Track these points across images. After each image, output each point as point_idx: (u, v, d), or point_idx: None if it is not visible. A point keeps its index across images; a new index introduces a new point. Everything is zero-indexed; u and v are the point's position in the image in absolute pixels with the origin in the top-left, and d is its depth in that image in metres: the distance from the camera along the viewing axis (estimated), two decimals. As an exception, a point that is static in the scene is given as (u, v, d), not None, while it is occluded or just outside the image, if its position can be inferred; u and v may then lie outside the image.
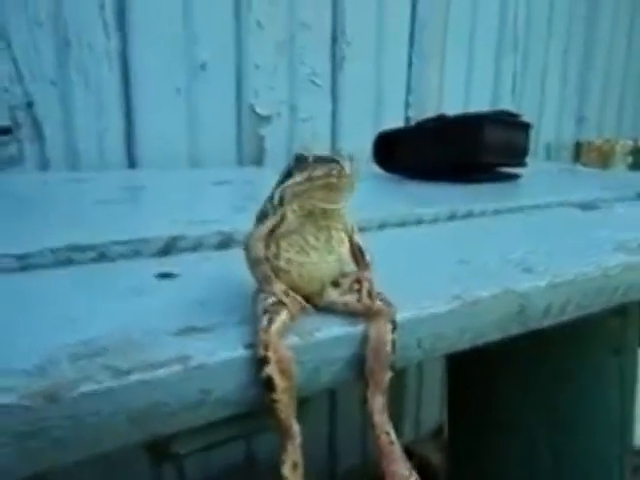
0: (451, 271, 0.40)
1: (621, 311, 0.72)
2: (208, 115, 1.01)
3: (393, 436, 0.31)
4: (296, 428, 0.28)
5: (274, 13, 1.05)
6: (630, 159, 1.65)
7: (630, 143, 1.74)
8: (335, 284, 0.31)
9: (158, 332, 0.27)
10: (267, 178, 0.95)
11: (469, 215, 0.57)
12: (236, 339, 0.27)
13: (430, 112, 1.27)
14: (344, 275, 0.31)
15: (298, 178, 0.28)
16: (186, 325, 0.28)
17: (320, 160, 0.27)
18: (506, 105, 1.43)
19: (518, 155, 0.82)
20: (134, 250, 0.39)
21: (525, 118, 0.83)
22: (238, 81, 1.04)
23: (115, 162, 0.96)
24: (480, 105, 1.35)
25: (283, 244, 0.29)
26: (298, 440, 0.28)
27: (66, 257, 0.37)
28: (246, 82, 1.05)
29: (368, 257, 0.32)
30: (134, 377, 0.24)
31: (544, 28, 1.51)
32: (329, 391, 1.25)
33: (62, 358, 0.24)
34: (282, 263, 0.29)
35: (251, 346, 0.27)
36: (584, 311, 0.43)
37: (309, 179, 0.27)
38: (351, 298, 0.31)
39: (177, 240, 0.40)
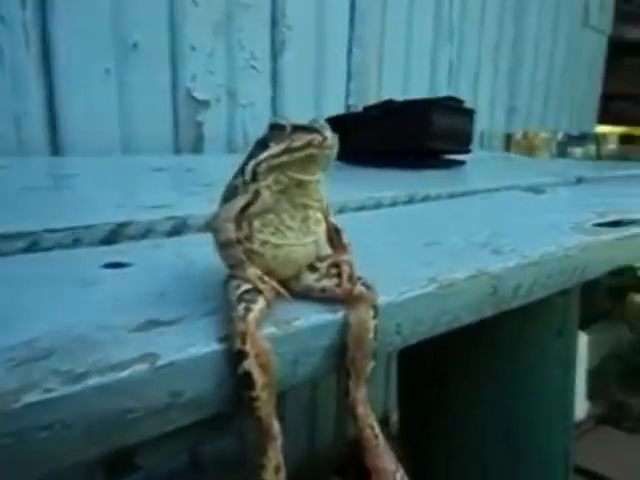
0: (421, 254, 0.39)
1: (563, 293, 0.74)
2: (141, 99, 0.95)
3: (377, 429, 0.28)
4: (277, 427, 0.25)
5: (211, -8, 1.00)
6: (554, 149, 1.73)
7: (558, 135, 1.83)
8: (311, 268, 0.28)
9: (114, 328, 0.23)
10: (210, 165, 0.90)
11: (426, 199, 0.56)
12: (207, 332, 0.24)
13: (370, 100, 1.27)
14: (320, 259, 0.29)
15: (275, 149, 0.24)
16: (146, 319, 0.24)
17: (299, 129, 0.24)
18: (441, 90, 1.45)
19: (463, 141, 0.83)
20: (74, 238, 0.34)
21: (468, 103, 0.84)
22: (173, 63, 0.98)
23: (36, 148, 0.87)
24: (418, 93, 1.36)
25: (256, 224, 0.26)
26: (279, 441, 0.25)
27: (-8, 247, 0.32)
28: (182, 65, 0.99)
29: (345, 239, 0.29)
30: (91, 382, 0.20)
31: (477, 21, 1.54)
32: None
33: (4, 363, 0.20)
34: (256, 245, 0.26)
35: (226, 339, 0.24)
36: (548, 291, 0.43)
37: (288, 150, 0.24)
38: (329, 283, 0.28)
39: (124, 227, 0.36)
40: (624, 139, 2.49)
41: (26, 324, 0.23)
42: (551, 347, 0.74)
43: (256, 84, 1.09)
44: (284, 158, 0.24)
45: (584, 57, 2.00)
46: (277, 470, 0.25)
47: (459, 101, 0.82)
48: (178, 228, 0.38)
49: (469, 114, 0.83)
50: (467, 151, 0.84)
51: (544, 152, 1.84)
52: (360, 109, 0.85)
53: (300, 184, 0.25)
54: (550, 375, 0.75)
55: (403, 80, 1.36)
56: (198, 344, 0.23)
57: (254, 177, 0.25)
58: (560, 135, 1.92)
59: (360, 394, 0.28)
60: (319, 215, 0.28)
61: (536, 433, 0.77)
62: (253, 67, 1.08)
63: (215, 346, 0.23)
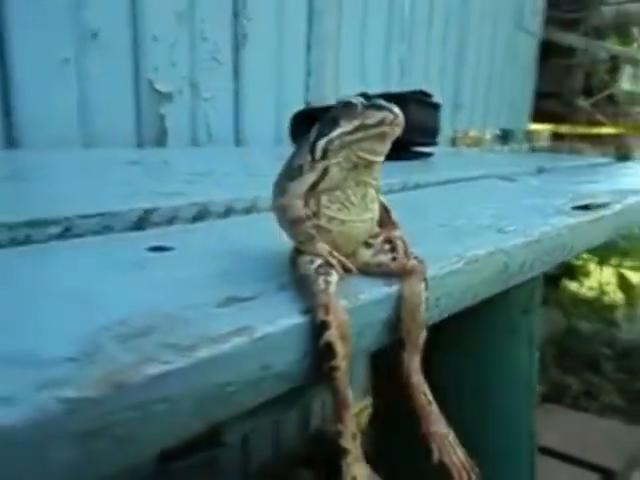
0: (439, 235, 0.41)
1: (528, 275, 0.79)
2: (102, 90, 0.91)
3: (430, 396, 0.30)
4: (351, 397, 0.26)
5: (171, -20, 0.98)
6: (498, 144, 1.83)
7: (495, 132, 1.93)
8: (366, 244, 0.29)
9: (198, 306, 0.23)
10: (183, 158, 0.88)
11: (417, 186, 0.58)
12: (288, 306, 0.25)
13: (328, 95, 1.29)
14: (373, 235, 0.30)
15: (348, 127, 0.25)
16: (226, 296, 0.25)
17: (371, 107, 0.25)
18: (395, 87, 1.49)
19: (432, 134, 0.86)
20: (105, 225, 0.33)
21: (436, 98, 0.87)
22: (135, 54, 0.95)
23: (-13, 141, 0.82)
24: (373, 89, 1.40)
25: (324, 201, 0.27)
26: (352, 409, 0.26)
27: (24, 235, 0.30)
28: (144, 55, 0.96)
29: (394, 216, 0.30)
30: (201, 354, 0.20)
31: (426, 21, 1.60)
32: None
33: (105, 341, 0.20)
34: (323, 222, 0.27)
35: (308, 311, 0.24)
36: (544, 267, 0.46)
37: (362, 127, 0.25)
38: (384, 258, 0.29)
39: (150, 213, 0.35)
40: (553, 135, 2.67)
41: (110, 304, 0.23)
42: (518, 326, 0.78)
43: (218, 77, 1.07)
44: (358, 135, 0.25)
45: (519, 58, 2.12)
46: (354, 437, 0.26)
47: (428, 95, 0.85)
48: (202, 214, 0.38)
49: (436, 108, 0.87)
50: (435, 143, 0.87)
51: (486, 147, 1.93)
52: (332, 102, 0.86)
53: (368, 163, 0.26)
54: (517, 353, 0.80)
55: (359, 76, 1.39)
56: (285, 316, 0.24)
57: (324, 155, 0.26)
58: (498, 132, 2.03)
59: (415, 363, 0.30)
60: (374, 192, 0.29)
61: (507, 412, 0.81)
62: (215, 59, 1.06)
63: (299, 318, 0.24)
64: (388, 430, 0.90)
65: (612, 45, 2.34)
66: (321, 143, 0.26)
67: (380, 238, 0.30)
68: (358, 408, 1.40)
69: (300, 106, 1.22)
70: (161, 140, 1.00)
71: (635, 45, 2.39)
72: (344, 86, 1.33)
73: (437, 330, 0.81)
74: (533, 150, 2.26)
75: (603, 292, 2.45)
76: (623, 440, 1.51)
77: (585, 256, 2.49)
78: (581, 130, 2.62)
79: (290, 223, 0.26)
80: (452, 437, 0.30)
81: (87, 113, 0.90)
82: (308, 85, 1.26)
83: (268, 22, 1.14)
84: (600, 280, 2.42)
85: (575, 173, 0.86)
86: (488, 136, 1.88)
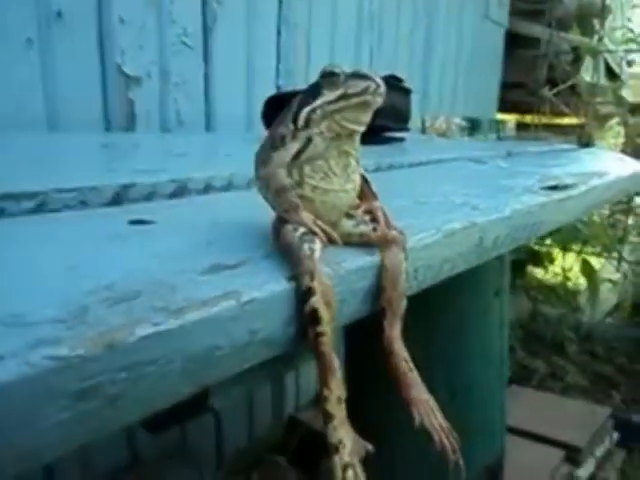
0: (417, 211, 0.41)
1: (498, 258, 0.81)
2: (68, 72, 0.89)
3: (411, 363, 0.31)
4: (337, 362, 0.26)
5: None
6: (466, 133, 1.86)
7: (463, 122, 1.95)
8: (348, 215, 0.30)
9: (185, 272, 0.23)
10: (155, 142, 0.86)
11: (391, 167, 0.59)
12: (273, 273, 0.25)
13: (299, 80, 1.28)
14: (354, 206, 0.30)
15: (331, 96, 0.26)
16: (211, 264, 0.25)
17: (353, 77, 0.26)
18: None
19: (403, 119, 0.87)
20: (81, 200, 0.32)
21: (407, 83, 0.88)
22: (101, 36, 0.93)
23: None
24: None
25: (307, 170, 0.27)
26: (339, 374, 0.26)
27: (-2, 207, 0.29)
28: (111, 38, 0.93)
29: (374, 187, 0.31)
30: (189, 316, 0.20)
31: (394, 9, 1.60)
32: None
33: (93, 304, 0.20)
34: (307, 191, 0.27)
35: (293, 278, 0.25)
36: (516, 243, 0.48)
37: (344, 96, 0.25)
38: (366, 228, 0.30)
39: (128, 189, 0.35)
40: (518, 125, 2.72)
41: (95, 271, 0.23)
42: (489, 307, 0.81)
43: (188, 61, 1.06)
44: (340, 104, 0.26)
45: (486, 48, 2.16)
46: (339, 401, 0.26)
47: (399, 80, 0.86)
48: (181, 190, 0.38)
49: (407, 93, 0.88)
50: (406, 129, 0.88)
51: (456, 136, 1.96)
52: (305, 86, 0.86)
53: (350, 132, 0.27)
54: (489, 333, 0.83)
55: (329, 62, 1.38)
56: (271, 282, 0.24)
57: (307, 124, 0.26)
58: (465, 121, 2.05)
59: (396, 331, 0.30)
60: (355, 164, 0.29)
61: (479, 390, 0.83)
62: (185, 43, 1.04)
63: (285, 285, 0.24)
64: (360, 396, 0.91)
65: (574, 36, 2.40)
66: (304, 112, 0.26)
67: (361, 209, 0.30)
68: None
69: (271, 91, 1.21)
70: (130, 125, 0.98)
71: (596, 37, 2.45)
72: (314, 71, 1.32)
73: (412, 312, 0.83)
74: (500, 139, 2.30)
75: (567, 278, 2.53)
76: (586, 418, 1.56)
77: (549, 242, 2.56)
78: (545, 120, 2.68)
79: (274, 192, 0.27)
80: (432, 402, 0.31)
81: (52, 96, 0.87)
82: (279, 70, 1.25)
83: (238, 6, 1.13)
84: (564, 266, 2.49)
85: (542, 157, 0.88)
86: (455, 125, 1.90)
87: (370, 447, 0.26)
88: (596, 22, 2.46)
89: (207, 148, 0.74)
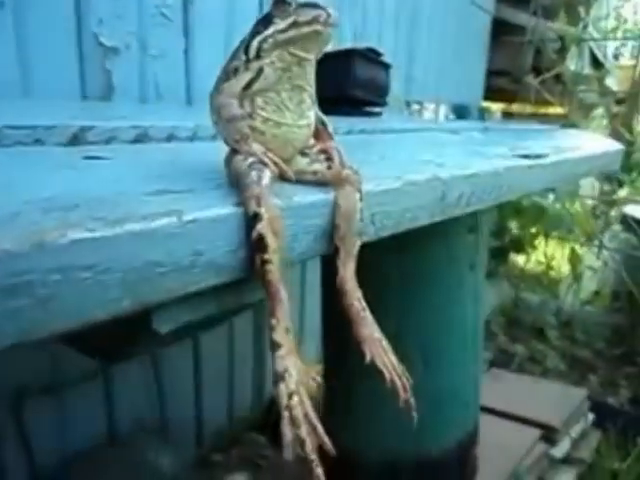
0: (378, 165, 0.41)
1: (473, 229, 0.81)
2: (43, 40, 0.87)
3: (364, 302, 0.31)
4: (284, 293, 0.26)
5: None
6: (449, 117, 1.86)
7: (449, 107, 1.96)
8: (302, 153, 0.30)
9: (130, 192, 0.23)
10: (129, 107, 0.85)
11: (363, 132, 0.59)
12: (221, 199, 0.25)
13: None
14: (309, 145, 0.30)
15: (282, 25, 0.25)
16: (159, 188, 0.25)
17: (304, 6, 0.26)
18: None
19: (381, 93, 0.87)
20: (35, 138, 0.32)
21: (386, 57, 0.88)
22: (78, 3, 0.91)
23: None
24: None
25: (259, 102, 0.27)
26: (287, 305, 0.26)
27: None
28: (87, 6, 0.92)
29: (331, 128, 0.31)
30: (127, 227, 0.20)
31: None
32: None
33: (30, 210, 0.20)
34: (258, 122, 0.27)
35: (240, 204, 0.25)
36: (482, 205, 0.48)
37: (295, 25, 0.25)
38: (320, 166, 0.30)
39: (86, 131, 0.34)
40: (503, 114, 2.73)
41: (35, 190, 0.22)
42: (464, 280, 0.82)
43: (168, 34, 1.04)
44: (291, 33, 0.25)
45: (472, 34, 2.16)
46: (286, 331, 0.26)
47: (378, 53, 0.86)
48: (142, 137, 0.37)
49: (386, 67, 0.88)
50: (384, 103, 0.88)
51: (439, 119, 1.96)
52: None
53: (301, 63, 0.27)
54: (463, 306, 0.83)
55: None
56: (217, 206, 0.24)
57: (258, 54, 0.26)
58: (450, 107, 2.06)
59: (349, 270, 0.30)
60: (310, 101, 0.29)
61: (451, 360, 0.84)
62: (164, 15, 1.03)
63: (232, 209, 0.24)
64: (342, 370, 0.91)
65: (559, 25, 2.40)
66: (255, 42, 0.26)
67: (316, 148, 0.30)
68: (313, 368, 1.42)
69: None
70: (107, 95, 0.97)
71: (581, 25, 2.46)
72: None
73: (381, 284, 0.82)
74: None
75: (549, 265, 2.56)
76: (563, 399, 1.59)
77: (533, 231, 2.58)
78: (530, 109, 2.69)
79: (225, 122, 0.27)
80: (385, 343, 0.31)
81: (27, 61, 0.86)
82: (261, 48, 1.24)
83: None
84: (546, 253, 2.52)
85: (519, 133, 0.89)
86: (442, 111, 1.90)
87: (317, 376, 0.26)
88: (582, 10, 2.47)
89: (180, 112, 0.73)
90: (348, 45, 1.46)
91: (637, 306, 2.13)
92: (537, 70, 2.52)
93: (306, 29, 0.25)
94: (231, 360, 1.35)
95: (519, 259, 2.66)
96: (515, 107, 2.65)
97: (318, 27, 0.26)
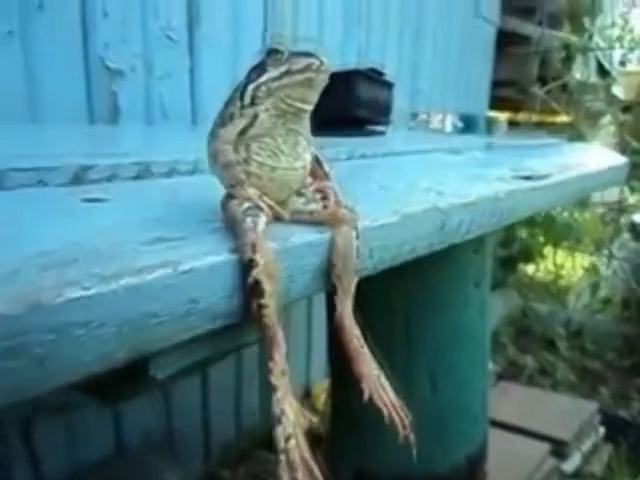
0: (378, 195, 0.42)
1: (478, 250, 0.81)
2: (50, 65, 0.89)
3: (362, 339, 0.31)
4: (281, 335, 0.27)
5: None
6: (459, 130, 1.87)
7: (455, 116, 1.96)
8: (299, 193, 0.30)
9: (125, 243, 0.24)
10: (141, 134, 0.86)
11: (364, 157, 0.59)
12: (216, 245, 0.25)
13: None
14: (305, 185, 0.31)
15: (275, 72, 0.26)
16: (154, 236, 0.25)
17: (297, 54, 0.26)
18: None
19: (384, 112, 0.88)
20: (38, 179, 0.33)
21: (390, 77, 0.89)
22: (84, 28, 0.93)
23: None
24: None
25: (254, 147, 0.27)
26: (284, 348, 0.27)
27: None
28: (94, 31, 0.94)
29: (327, 167, 0.31)
30: (122, 282, 0.21)
31: (383, 8, 1.61)
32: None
33: (25, 268, 0.20)
34: (253, 167, 0.27)
35: (236, 250, 0.25)
36: (483, 230, 0.48)
37: (288, 73, 0.26)
38: (316, 206, 0.30)
39: (88, 170, 0.35)
40: (510, 123, 2.73)
41: (33, 241, 0.23)
42: (470, 297, 0.81)
43: (173, 55, 1.06)
44: (284, 81, 0.26)
45: (477, 46, 2.16)
46: (283, 373, 0.26)
47: (381, 73, 0.86)
48: (143, 173, 0.38)
49: (389, 86, 0.88)
50: (387, 122, 0.89)
51: (444, 132, 1.97)
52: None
53: (296, 110, 0.27)
54: (470, 322, 0.83)
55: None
56: (213, 253, 0.24)
57: (253, 101, 0.27)
58: (457, 117, 2.06)
59: (347, 307, 0.31)
60: (305, 142, 0.29)
61: (460, 378, 0.84)
62: (169, 37, 1.05)
63: (227, 256, 0.25)
64: (348, 390, 0.91)
65: (564, 34, 2.40)
66: (250, 89, 0.27)
67: (312, 187, 0.30)
68: (319, 389, 1.42)
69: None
70: (113, 118, 0.98)
71: (586, 35, 2.46)
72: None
73: (395, 303, 0.82)
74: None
75: (558, 275, 2.54)
76: (573, 413, 1.57)
77: (541, 240, 2.57)
78: (536, 118, 2.69)
79: (221, 167, 0.27)
80: (383, 379, 0.31)
81: (35, 87, 0.88)
82: (266, 66, 1.25)
83: (224, 1, 1.13)
84: (555, 263, 2.50)
85: (523, 150, 0.89)
86: (448, 119, 1.91)
87: (314, 419, 0.27)
88: (586, 20, 2.47)
89: (184, 137, 0.74)
90: (352, 64, 1.47)
91: (648, 316, 2.11)
92: (543, 80, 2.52)
93: (299, 77, 0.26)
94: (239, 376, 1.35)
95: (528, 268, 2.65)
96: (521, 116, 2.65)
97: (311, 74, 0.26)
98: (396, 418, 0.30)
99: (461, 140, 0.98)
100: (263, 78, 0.26)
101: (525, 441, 1.41)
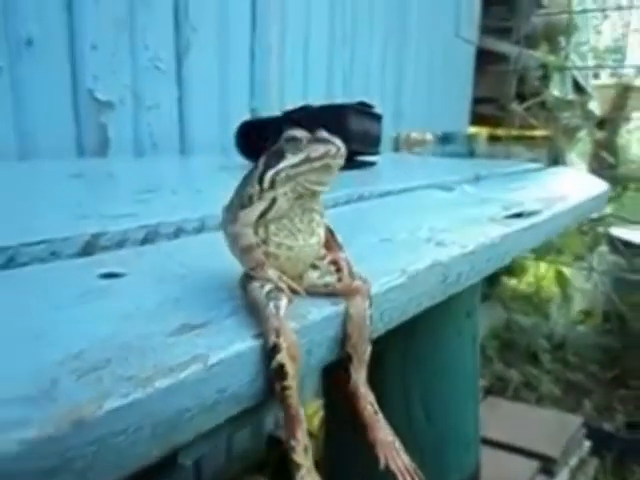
0: (381, 250, 0.43)
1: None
2: (39, 99, 0.89)
3: (376, 406, 0.32)
4: (302, 413, 0.27)
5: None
6: (439, 147, 1.90)
7: (437, 134, 1.99)
8: (313, 266, 0.31)
9: (152, 335, 0.24)
10: (126, 169, 0.87)
11: (361, 198, 0.60)
12: (239, 330, 0.26)
13: (273, 103, 1.30)
14: (320, 257, 0.31)
15: (294, 159, 0.27)
16: (178, 324, 0.25)
17: (315, 141, 0.27)
18: (337, 95, 1.52)
19: (374, 143, 0.89)
20: (51, 251, 0.33)
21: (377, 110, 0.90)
22: (73, 62, 0.93)
23: None
24: (316, 96, 1.42)
25: (272, 228, 0.28)
26: (305, 425, 0.27)
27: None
28: (82, 64, 0.94)
29: (339, 239, 0.32)
30: (157, 384, 0.21)
31: (367, 31, 1.64)
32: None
33: (62, 376, 0.20)
34: (272, 248, 0.28)
35: (259, 336, 0.26)
36: (480, 276, 0.49)
37: (307, 160, 0.27)
38: (330, 279, 0.31)
39: (99, 237, 0.35)
40: (490, 138, 2.78)
41: (63, 338, 0.23)
42: (462, 327, 0.83)
43: (161, 85, 1.06)
44: (303, 168, 0.27)
45: (457, 65, 2.21)
46: (306, 450, 0.27)
47: (370, 106, 0.88)
48: (151, 235, 0.38)
49: (378, 118, 0.90)
50: (377, 152, 0.90)
51: (427, 149, 2.00)
52: (279, 113, 0.88)
53: (313, 192, 0.28)
54: (462, 352, 0.84)
55: (303, 83, 1.41)
56: (237, 341, 0.25)
57: (272, 185, 0.27)
58: (439, 134, 2.10)
59: (362, 376, 0.31)
60: (319, 217, 0.30)
61: (453, 407, 0.85)
62: (157, 68, 1.05)
63: (251, 342, 0.25)
64: (339, 432, 0.92)
65: (541, 54, 2.47)
66: (269, 174, 0.27)
67: (326, 260, 0.31)
68: (311, 410, 1.41)
69: (245, 113, 1.23)
70: (103, 150, 0.98)
71: (562, 54, 2.53)
72: (288, 94, 1.34)
73: (389, 338, 0.83)
74: (471, 152, 2.35)
75: (540, 287, 2.58)
76: (560, 428, 1.60)
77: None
78: (515, 132, 2.74)
79: (241, 250, 0.28)
80: (397, 444, 0.32)
81: (23, 123, 0.87)
82: (253, 93, 1.27)
83: (211, 31, 1.14)
84: (537, 276, 2.55)
85: (508, 180, 0.91)
86: (430, 138, 1.94)
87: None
88: (562, 39, 2.54)
89: (180, 181, 0.74)
90: (337, 84, 1.49)
91: (627, 328, 2.15)
92: (521, 96, 2.58)
93: (317, 163, 0.27)
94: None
95: (511, 281, 2.69)
96: (501, 130, 2.70)
97: (328, 161, 0.27)
98: (409, 481, 0.31)
99: (448, 167, 1.00)
100: (282, 165, 0.27)
101: (515, 458, 1.43)
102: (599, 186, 0.99)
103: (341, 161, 0.27)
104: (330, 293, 0.31)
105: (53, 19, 0.89)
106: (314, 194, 0.28)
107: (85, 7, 0.92)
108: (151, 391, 0.21)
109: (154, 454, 0.22)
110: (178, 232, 0.40)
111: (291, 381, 0.26)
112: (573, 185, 0.96)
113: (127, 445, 0.20)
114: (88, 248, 0.35)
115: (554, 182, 0.98)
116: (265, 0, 1.25)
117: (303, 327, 0.28)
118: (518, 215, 0.63)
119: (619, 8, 2.55)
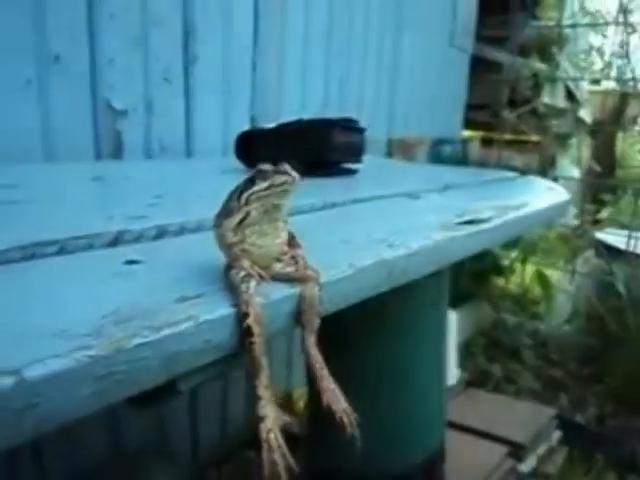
0: (338, 249, 0.54)
1: (436, 275, 0.95)
2: (62, 108, 1.01)
3: (323, 363, 0.44)
4: (265, 362, 0.39)
5: (128, 7, 1.08)
6: (428, 150, 2.02)
7: (428, 139, 2.11)
8: (278, 260, 0.43)
9: (162, 302, 0.36)
10: (140, 172, 0.99)
11: (335, 205, 0.72)
12: (222, 302, 0.38)
13: (272, 112, 1.41)
14: (282, 253, 0.43)
15: (263, 185, 0.39)
16: (180, 295, 0.37)
17: (277, 172, 0.39)
18: (333, 103, 1.64)
19: (357, 154, 1.01)
20: (89, 244, 0.45)
21: (362, 123, 1.02)
22: (93, 75, 1.05)
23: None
24: (315, 104, 1.54)
25: (247, 232, 0.40)
26: (267, 371, 0.39)
27: (31, 253, 0.42)
28: (101, 76, 1.06)
29: (298, 239, 0.44)
30: (164, 332, 0.33)
31: (362, 39, 1.75)
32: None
33: (105, 324, 0.32)
34: (246, 246, 0.40)
35: (235, 306, 0.38)
36: (424, 272, 0.61)
37: (272, 186, 0.39)
38: (290, 269, 0.43)
39: (122, 234, 0.47)
40: (483, 141, 2.89)
41: (106, 302, 0.35)
42: (427, 317, 0.95)
43: (171, 95, 1.18)
44: (269, 191, 0.39)
45: (451, 73, 2.32)
46: (267, 387, 0.39)
47: (354, 121, 1.00)
48: (160, 234, 0.50)
49: (361, 132, 1.02)
50: (359, 161, 1.02)
51: (421, 153, 2.12)
52: (273, 125, 0.99)
53: (277, 207, 0.40)
54: (427, 339, 0.96)
55: (301, 91, 1.52)
56: (219, 309, 0.37)
57: (246, 202, 0.39)
58: (433, 139, 2.21)
59: (311, 340, 0.43)
60: (282, 224, 0.42)
61: (418, 390, 0.97)
62: (167, 79, 1.17)
63: (229, 310, 0.37)
64: (319, 412, 1.05)
65: (533, 63, 2.57)
66: (245, 195, 0.39)
67: (287, 255, 0.43)
68: (297, 394, 1.54)
69: (246, 120, 1.35)
70: (118, 153, 1.10)
71: (554, 63, 2.63)
72: (287, 102, 1.46)
73: (362, 325, 0.96)
74: (464, 156, 2.47)
75: (526, 288, 2.70)
76: (532, 418, 1.72)
77: (512, 255, 2.72)
78: (508, 137, 2.85)
79: (224, 247, 0.40)
80: (337, 391, 0.44)
81: (49, 129, 0.99)
82: (253, 101, 1.38)
83: (216, 45, 1.26)
84: (523, 277, 2.66)
85: (476, 189, 1.03)
86: (424, 143, 2.06)
87: (288, 419, 0.39)
88: (555, 49, 2.65)
89: (185, 187, 0.86)
90: (333, 90, 1.61)
91: (607, 329, 2.26)
92: (514, 103, 2.69)
93: (278, 189, 0.39)
94: (224, 385, 1.47)
95: (499, 281, 2.80)
96: (494, 135, 2.81)
97: (287, 187, 0.39)
98: (345, 419, 0.43)
99: (425, 176, 1.12)
100: (254, 188, 0.39)
101: (486, 444, 1.55)
102: (561, 196, 1.10)
103: (295, 186, 0.39)
104: (289, 280, 0.43)
105: (77, 37, 1.01)
106: (277, 208, 0.40)
107: (104, 26, 1.04)
108: (160, 336, 0.33)
109: (162, 378, 0.34)
110: (181, 231, 0.52)
111: (256, 338, 0.38)
112: (536, 195, 1.07)
113: (145, 368, 0.32)
114: (115, 242, 0.47)
115: (520, 191, 1.09)
116: (267, 17, 1.37)
117: (267, 303, 0.40)
118: (470, 222, 0.75)
119: (606, 23, 2.65)
